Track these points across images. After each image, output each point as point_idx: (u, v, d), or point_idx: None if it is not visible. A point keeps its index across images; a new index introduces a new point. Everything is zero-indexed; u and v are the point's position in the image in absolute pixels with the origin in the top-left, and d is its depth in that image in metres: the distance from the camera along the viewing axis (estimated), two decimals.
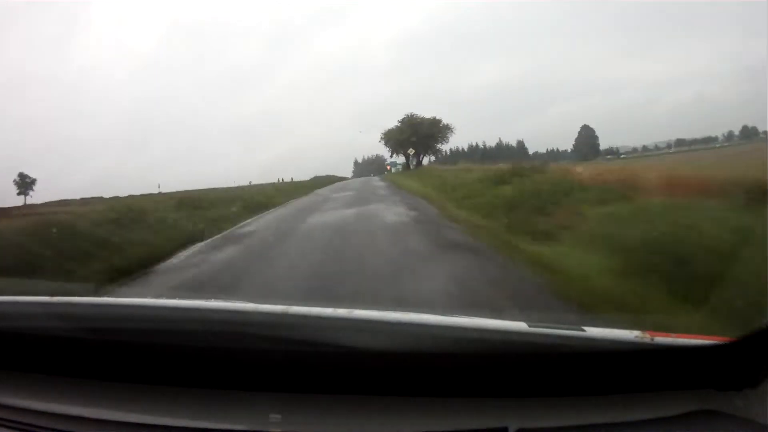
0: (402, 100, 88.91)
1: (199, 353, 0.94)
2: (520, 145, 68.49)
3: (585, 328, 0.88)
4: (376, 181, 30.77)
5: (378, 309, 0.94)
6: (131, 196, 22.94)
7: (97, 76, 79.79)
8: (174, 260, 7.66)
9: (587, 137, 65.64)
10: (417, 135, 40.97)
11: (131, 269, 6.62)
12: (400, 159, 47.60)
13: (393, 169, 46.26)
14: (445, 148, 47.40)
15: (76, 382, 1.01)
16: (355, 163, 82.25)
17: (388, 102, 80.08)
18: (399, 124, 41.58)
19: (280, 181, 35.31)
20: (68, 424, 0.94)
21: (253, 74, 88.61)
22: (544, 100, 76.31)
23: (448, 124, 41.15)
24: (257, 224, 11.67)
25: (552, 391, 0.88)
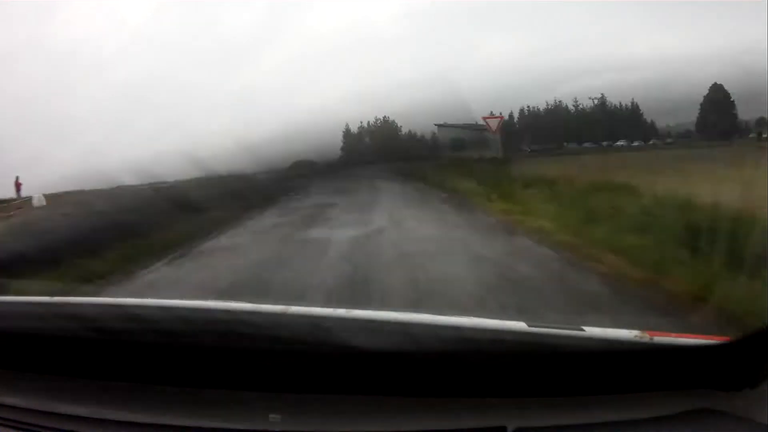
0: (405, 76, 78.29)
1: (199, 353, 0.94)
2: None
3: (584, 327, 0.88)
4: None
5: (377, 309, 0.92)
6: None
7: (87, 49, 72.93)
8: None
9: (719, 105, 47.39)
10: None
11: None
12: None
13: None
14: None
15: (76, 382, 1.01)
16: (346, 133, 53.70)
17: (390, 78, 71.77)
18: None
19: None
20: (68, 424, 0.95)
21: (246, 49, 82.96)
22: (556, 78, 66.35)
23: None
24: None
25: (551, 391, 0.88)
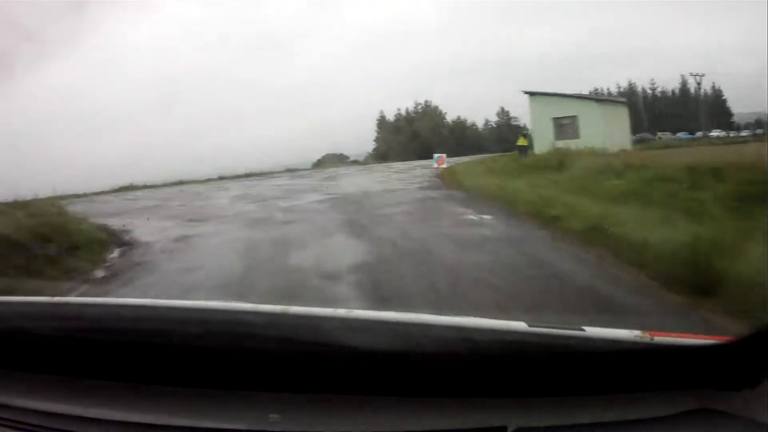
0: (442, 70, 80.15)
1: (199, 353, 0.93)
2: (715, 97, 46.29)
3: (585, 327, 0.87)
4: None
5: (378, 309, 0.93)
6: None
7: (125, 40, 78.26)
8: None
9: None
10: None
11: None
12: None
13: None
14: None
15: (76, 382, 1.00)
16: (380, 122, 46.57)
17: (425, 72, 76.25)
18: None
19: None
20: (68, 424, 0.94)
21: (286, 42, 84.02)
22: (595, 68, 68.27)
23: None
24: None
25: (551, 391, 0.87)
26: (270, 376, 0.91)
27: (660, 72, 65.21)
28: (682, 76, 45.83)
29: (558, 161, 13.63)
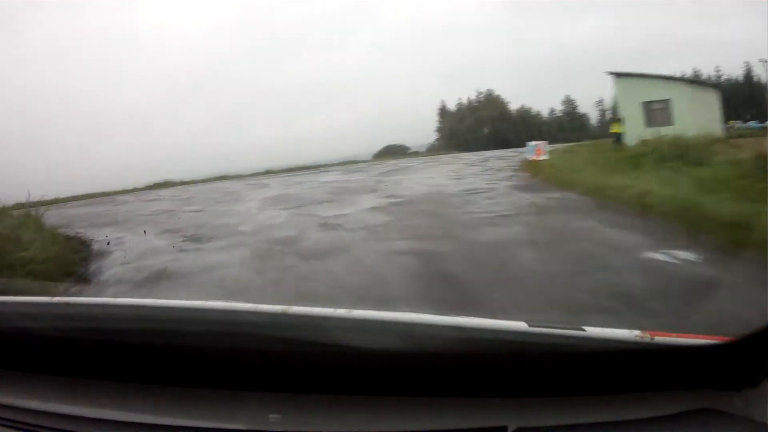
0: (501, 60, 75.83)
1: (199, 353, 0.93)
2: None
3: (585, 327, 0.87)
4: None
5: (378, 309, 0.91)
6: None
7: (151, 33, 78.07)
8: None
9: None
10: None
11: None
12: None
13: None
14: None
15: (76, 382, 1.00)
16: (441, 112, 45.71)
17: (485, 62, 73.53)
18: None
19: None
20: (68, 424, 0.94)
21: (340, 31, 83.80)
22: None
23: None
24: None
25: (551, 391, 0.87)
26: (270, 376, 0.92)
27: (721, 60, 62.19)
28: (746, 63, 42.89)
29: (679, 152, 11.90)
